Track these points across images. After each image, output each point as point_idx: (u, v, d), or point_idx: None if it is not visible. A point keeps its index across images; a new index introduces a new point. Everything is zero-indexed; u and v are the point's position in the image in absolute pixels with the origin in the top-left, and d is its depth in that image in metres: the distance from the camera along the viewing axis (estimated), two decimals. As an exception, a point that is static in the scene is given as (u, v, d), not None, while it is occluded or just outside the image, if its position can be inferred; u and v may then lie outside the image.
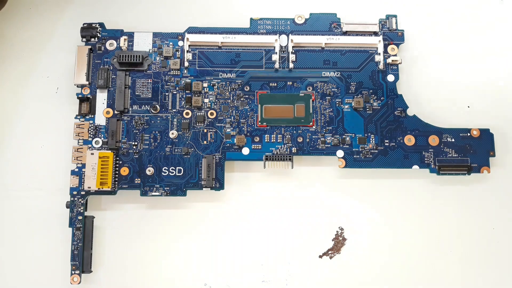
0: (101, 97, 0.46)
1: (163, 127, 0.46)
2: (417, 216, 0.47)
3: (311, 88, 0.47)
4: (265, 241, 0.46)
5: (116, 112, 0.46)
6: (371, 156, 0.46)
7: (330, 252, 0.46)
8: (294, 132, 0.46)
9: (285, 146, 0.46)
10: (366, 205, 0.47)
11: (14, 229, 0.46)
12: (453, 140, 0.47)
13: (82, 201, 0.45)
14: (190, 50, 0.48)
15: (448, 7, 0.51)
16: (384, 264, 0.46)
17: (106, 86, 0.46)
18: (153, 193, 0.45)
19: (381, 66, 0.48)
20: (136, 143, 0.46)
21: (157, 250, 0.46)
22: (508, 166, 0.48)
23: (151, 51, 0.47)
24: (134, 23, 0.49)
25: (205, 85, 0.47)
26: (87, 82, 0.46)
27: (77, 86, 0.47)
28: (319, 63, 0.48)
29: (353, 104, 0.47)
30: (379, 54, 0.48)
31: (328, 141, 0.46)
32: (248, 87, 0.47)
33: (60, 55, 0.49)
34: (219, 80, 0.47)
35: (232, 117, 0.47)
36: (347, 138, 0.46)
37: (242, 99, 0.47)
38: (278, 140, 0.46)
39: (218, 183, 0.45)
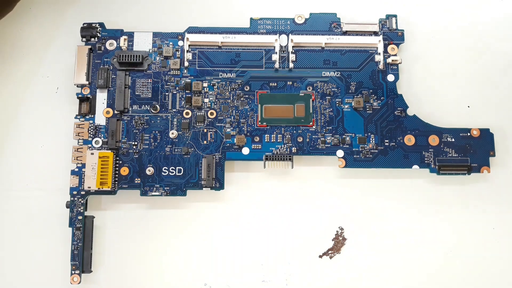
0: (101, 97, 0.46)
1: (163, 127, 0.46)
2: (417, 216, 0.47)
3: (311, 88, 0.47)
4: (265, 241, 0.46)
5: (116, 112, 0.46)
6: (371, 156, 0.46)
7: (330, 252, 0.46)
8: (294, 132, 0.46)
9: (285, 146, 0.46)
10: (366, 205, 0.47)
11: (14, 229, 0.46)
12: (453, 140, 0.47)
13: (82, 201, 0.45)
14: (190, 50, 0.48)
15: (448, 7, 0.51)
16: (384, 264, 0.46)
17: (106, 86, 0.46)
18: (153, 193, 0.45)
19: (381, 66, 0.48)
20: (136, 143, 0.46)
21: (157, 250, 0.46)
22: (508, 166, 0.48)
23: (151, 51, 0.47)
24: (134, 23, 0.49)
25: (205, 85, 0.47)
26: (87, 82, 0.46)
27: (77, 86, 0.47)
28: (319, 63, 0.48)
29: (353, 104, 0.47)
30: (379, 54, 0.48)
31: (328, 141, 0.46)
32: (248, 87, 0.47)
33: (60, 55, 0.49)
34: (219, 80, 0.47)
35: (232, 117, 0.47)
36: (347, 138, 0.46)
37: (242, 99, 0.47)
38: (278, 140, 0.46)
39: (218, 183, 0.45)
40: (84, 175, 0.45)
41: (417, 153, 0.46)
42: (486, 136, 0.47)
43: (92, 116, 0.46)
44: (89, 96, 0.46)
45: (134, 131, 0.46)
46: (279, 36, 0.48)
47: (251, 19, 0.49)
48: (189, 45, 0.48)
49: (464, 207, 0.47)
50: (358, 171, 0.47)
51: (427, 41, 0.50)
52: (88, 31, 0.47)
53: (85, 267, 0.44)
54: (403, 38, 0.49)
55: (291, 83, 0.47)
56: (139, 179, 0.45)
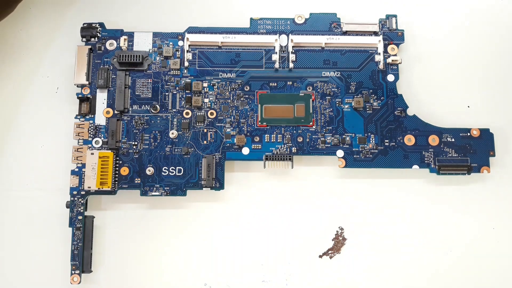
0: (101, 97, 0.46)
1: (163, 127, 0.46)
2: (417, 216, 0.47)
3: (311, 88, 0.47)
4: (265, 241, 0.46)
5: (116, 112, 0.46)
6: (371, 156, 0.46)
7: (330, 252, 0.46)
8: (294, 132, 0.46)
9: (285, 146, 0.46)
10: (366, 205, 0.47)
11: (14, 229, 0.46)
12: (453, 140, 0.47)
13: (82, 201, 0.45)
14: (190, 50, 0.48)
15: (448, 7, 0.51)
16: (384, 264, 0.46)
17: (106, 86, 0.46)
18: (153, 193, 0.45)
19: (381, 66, 0.48)
20: (136, 143, 0.46)
21: (157, 250, 0.46)
22: (508, 166, 0.48)
23: (151, 51, 0.47)
24: (134, 23, 0.49)
25: (205, 85, 0.47)
26: (87, 82, 0.46)
27: (77, 86, 0.47)
28: (319, 63, 0.48)
29: (353, 104, 0.47)
30: (379, 54, 0.48)
31: (328, 141, 0.46)
32: (248, 87, 0.47)
33: (60, 55, 0.49)
34: (219, 80, 0.47)
35: (232, 117, 0.47)
36: (347, 138, 0.46)
37: (242, 99, 0.47)
38: (278, 140, 0.46)
39: (218, 183, 0.45)
40: (84, 175, 0.45)
41: (417, 153, 0.46)
42: (486, 136, 0.47)
43: (92, 116, 0.46)
44: (89, 96, 0.46)
45: (134, 131, 0.46)
46: (279, 36, 0.48)
47: (251, 19, 0.49)
48: (189, 45, 0.48)
49: (464, 207, 0.47)
50: (358, 171, 0.47)
51: (427, 41, 0.50)
52: (88, 31, 0.47)
53: (85, 267, 0.44)
54: (403, 38, 0.49)
55: (291, 83, 0.47)
56: (139, 179, 0.45)
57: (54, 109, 0.48)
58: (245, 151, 0.46)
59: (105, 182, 0.45)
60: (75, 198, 0.45)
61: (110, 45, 0.47)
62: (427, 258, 0.46)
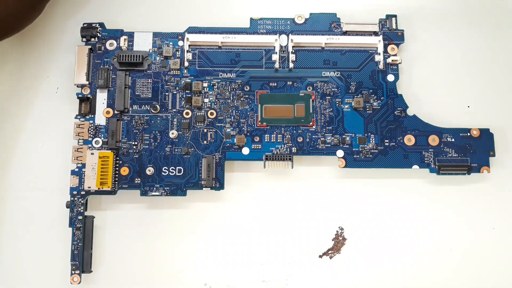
0: (101, 97, 0.46)
1: (163, 127, 0.46)
2: (417, 216, 0.47)
3: (311, 88, 0.47)
4: (265, 241, 0.46)
5: (116, 112, 0.46)
6: (371, 156, 0.46)
7: (330, 252, 0.46)
8: (294, 132, 0.46)
9: (285, 146, 0.46)
10: (366, 205, 0.47)
11: (14, 229, 0.46)
12: (453, 140, 0.47)
13: (82, 201, 0.45)
14: (190, 50, 0.48)
15: (448, 7, 0.51)
16: (384, 264, 0.46)
17: (106, 86, 0.46)
18: (153, 193, 0.45)
19: (381, 66, 0.48)
20: (136, 143, 0.46)
21: (157, 250, 0.46)
22: (508, 166, 0.48)
23: (151, 51, 0.47)
24: (134, 23, 0.49)
25: (205, 85, 0.47)
26: (87, 82, 0.46)
27: (77, 86, 0.47)
28: (319, 63, 0.48)
29: (353, 104, 0.47)
30: (379, 54, 0.48)
31: (328, 141, 0.46)
32: (248, 87, 0.47)
33: (60, 55, 0.49)
34: (219, 80, 0.47)
35: (232, 117, 0.47)
36: (347, 138, 0.46)
37: (242, 99, 0.47)
38: (278, 140, 0.46)
39: (218, 183, 0.45)
40: (84, 175, 0.45)
41: (417, 153, 0.46)
42: (486, 136, 0.47)
43: (92, 116, 0.46)
44: (89, 96, 0.46)
45: (134, 131, 0.46)
46: (279, 36, 0.48)
47: (251, 19, 0.49)
48: (189, 45, 0.48)
49: (464, 207, 0.47)
50: (358, 171, 0.47)
51: (427, 41, 0.50)
52: (88, 31, 0.47)
53: (85, 267, 0.44)
54: (403, 38, 0.49)
55: (291, 83, 0.47)
56: (139, 179, 0.45)
57: (54, 109, 0.48)
58: (245, 151, 0.46)
59: (105, 182, 0.45)
60: (75, 198, 0.45)
61: (110, 45, 0.47)
62: (427, 258, 0.46)
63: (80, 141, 0.46)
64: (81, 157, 0.45)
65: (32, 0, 0.44)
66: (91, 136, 0.46)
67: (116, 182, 0.45)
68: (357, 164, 0.46)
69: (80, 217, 0.44)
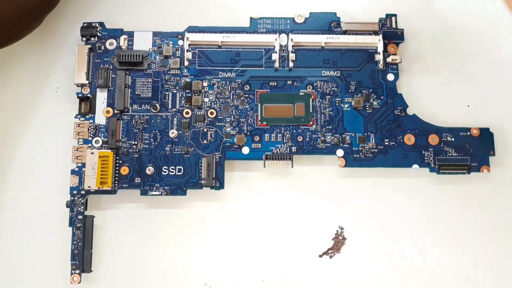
0: (101, 97, 0.46)
1: (163, 126, 0.46)
2: (417, 215, 0.47)
3: (311, 87, 0.47)
4: (265, 240, 0.46)
5: (116, 111, 0.46)
6: (371, 155, 0.46)
7: (330, 251, 0.46)
8: (294, 131, 0.46)
9: (285, 145, 0.46)
10: (366, 204, 0.47)
11: (14, 229, 0.46)
12: (453, 139, 0.47)
13: (82, 201, 0.45)
14: (190, 49, 0.48)
15: (448, 6, 0.51)
16: (384, 264, 0.46)
17: (106, 85, 0.46)
18: (153, 193, 0.45)
19: (381, 65, 0.48)
20: (136, 142, 0.46)
21: (157, 250, 0.46)
22: (508, 165, 0.48)
23: (151, 50, 0.47)
24: (134, 22, 0.49)
25: (205, 84, 0.47)
26: (87, 82, 0.46)
27: (77, 86, 0.47)
28: (319, 62, 0.48)
29: (353, 103, 0.47)
30: (379, 53, 0.48)
31: (328, 140, 0.46)
32: (248, 86, 0.47)
33: (60, 55, 0.49)
34: (219, 79, 0.47)
35: (232, 116, 0.47)
36: (347, 137, 0.46)
37: (242, 98, 0.47)
38: (278, 140, 0.46)
39: (218, 183, 0.45)
40: (84, 174, 0.45)
41: (417, 152, 0.46)
42: (486, 136, 0.47)
43: (92, 115, 0.46)
44: (89, 95, 0.46)
45: (134, 130, 0.46)
46: (279, 35, 0.48)
47: (251, 18, 0.49)
48: (189, 45, 0.48)
49: (464, 206, 0.47)
50: (358, 170, 0.47)
51: (427, 41, 0.50)
52: (88, 31, 0.47)
53: (85, 267, 0.44)
54: (403, 37, 0.49)
55: (291, 82, 0.47)
56: (139, 178, 0.45)
57: (54, 109, 0.48)
58: (245, 150, 0.46)
59: (105, 181, 0.45)
60: (75, 198, 0.45)
61: (110, 44, 0.47)
62: (427, 258, 0.46)
63: (80, 140, 0.46)
64: (81, 157, 0.45)
65: (32, 11, 0.44)
66: (91, 135, 0.46)
67: (116, 182, 0.45)
68: (357, 163, 0.46)
69: (80, 217, 0.44)
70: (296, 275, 0.46)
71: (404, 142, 0.46)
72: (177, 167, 0.45)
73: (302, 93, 0.47)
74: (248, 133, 0.46)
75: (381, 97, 0.47)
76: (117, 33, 0.48)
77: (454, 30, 0.51)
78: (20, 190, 0.47)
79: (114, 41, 0.47)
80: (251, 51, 0.48)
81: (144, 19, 0.50)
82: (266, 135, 0.46)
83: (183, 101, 0.47)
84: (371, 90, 0.47)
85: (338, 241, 0.46)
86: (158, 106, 0.46)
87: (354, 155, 0.46)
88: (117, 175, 0.45)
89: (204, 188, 0.45)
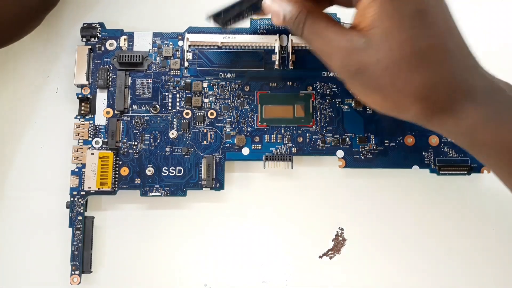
0: (101, 97, 0.46)
1: (163, 127, 0.46)
2: (417, 216, 0.47)
3: (311, 88, 0.47)
4: (265, 241, 0.46)
5: (116, 112, 0.46)
6: (371, 156, 0.46)
7: (330, 252, 0.46)
8: (294, 132, 0.46)
9: (285, 146, 0.46)
10: (366, 205, 0.47)
11: (14, 229, 0.46)
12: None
13: (82, 201, 0.45)
14: (190, 50, 0.48)
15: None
16: (384, 265, 0.46)
17: (106, 86, 0.46)
18: (153, 193, 0.45)
19: (381, 66, 0.48)
20: (136, 143, 0.46)
21: (157, 250, 0.46)
22: (508, 166, 0.48)
23: (151, 51, 0.47)
24: (134, 23, 0.49)
25: (205, 85, 0.47)
26: (87, 82, 0.46)
27: (77, 86, 0.47)
28: (319, 63, 0.48)
29: (353, 104, 0.47)
30: (379, 54, 0.48)
31: (328, 141, 0.46)
32: (248, 87, 0.47)
33: (60, 55, 0.49)
34: (219, 80, 0.47)
35: (232, 117, 0.47)
36: (347, 138, 0.46)
37: (242, 99, 0.47)
38: (278, 140, 0.46)
39: (218, 183, 0.45)
40: (84, 175, 0.45)
41: (417, 153, 0.46)
42: (486, 137, 0.47)
43: (92, 116, 0.46)
44: (89, 96, 0.46)
45: (134, 131, 0.46)
46: (279, 36, 0.48)
47: (251, 19, 0.49)
48: (189, 45, 0.48)
49: (464, 207, 0.47)
50: (358, 171, 0.47)
51: (428, 41, 0.50)
52: (88, 31, 0.47)
53: (85, 268, 0.44)
54: (403, 38, 0.49)
55: (291, 83, 0.47)
56: (139, 179, 0.45)
57: (54, 109, 0.48)
58: (245, 151, 0.46)
59: (105, 182, 0.45)
60: (75, 199, 0.45)
61: (110, 45, 0.47)
62: (427, 259, 0.46)
63: (80, 141, 0.46)
64: (81, 157, 0.45)
65: (32, 10, 0.44)
66: (91, 136, 0.46)
67: (116, 182, 0.45)
68: (357, 164, 0.46)
69: (80, 218, 0.44)
70: (296, 276, 0.46)
71: (404, 143, 0.46)
72: (177, 168, 0.45)
73: (302, 94, 0.47)
74: (248, 134, 0.46)
75: (382, 98, 0.47)
76: (117, 33, 0.48)
77: (455, 30, 0.51)
78: (20, 190, 0.47)
79: (114, 41, 0.47)
80: (251, 52, 0.48)
81: (144, 19, 0.50)
82: (266, 136, 0.46)
83: (183, 102, 0.47)
84: (371, 91, 0.47)
85: (338, 242, 0.46)
86: (158, 107, 0.46)
87: (354, 156, 0.46)
88: (117, 176, 0.45)
89: (204, 189, 0.45)
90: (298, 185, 0.47)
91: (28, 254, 0.46)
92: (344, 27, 0.36)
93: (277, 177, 0.47)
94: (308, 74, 0.48)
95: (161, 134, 0.46)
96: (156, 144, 0.46)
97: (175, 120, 0.46)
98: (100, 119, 0.46)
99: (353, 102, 0.47)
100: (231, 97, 0.47)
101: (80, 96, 0.46)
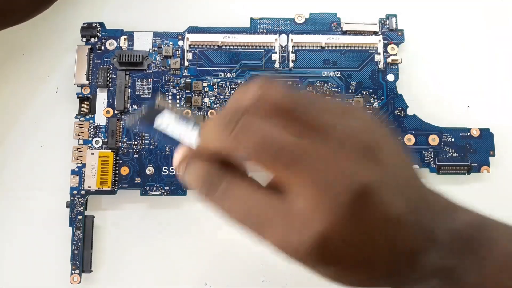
0: (101, 97, 0.46)
1: (163, 126, 0.46)
2: (417, 215, 0.47)
3: (311, 87, 0.47)
4: (265, 240, 0.46)
5: (116, 111, 0.46)
6: (371, 155, 0.46)
7: (330, 251, 0.46)
8: (294, 131, 0.46)
9: (285, 145, 0.46)
10: (366, 204, 0.47)
11: (14, 229, 0.46)
12: (453, 139, 0.47)
13: (82, 201, 0.45)
14: (190, 49, 0.48)
15: (448, 7, 0.51)
16: (384, 264, 0.46)
17: (106, 85, 0.46)
18: (153, 193, 0.45)
19: (381, 65, 0.48)
20: (136, 142, 0.46)
21: (157, 250, 0.46)
22: (508, 166, 0.48)
23: (151, 50, 0.47)
24: (134, 23, 0.49)
25: (205, 84, 0.47)
26: (87, 82, 0.46)
27: (77, 86, 0.47)
28: (319, 62, 0.48)
29: (353, 104, 0.47)
30: (379, 53, 0.48)
31: (328, 140, 0.46)
32: (248, 87, 0.47)
33: (60, 55, 0.49)
34: (219, 80, 0.47)
35: (232, 116, 0.47)
36: (347, 138, 0.46)
37: (242, 98, 0.47)
38: (278, 140, 0.46)
39: (218, 183, 0.45)
40: (84, 175, 0.45)
41: (417, 152, 0.46)
42: (486, 136, 0.47)
43: (92, 116, 0.46)
44: (89, 96, 0.46)
45: (134, 131, 0.46)
46: (279, 36, 0.48)
47: (251, 19, 0.49)
48: (189, 45, 0.48)
49: (464, 206, 0.47)
50: (358, 170, 0.47)
51: (427, 41, 0.50)
52: (88, 31, 0.47)
53: (85, 267, 0.44)
54: (403, 37, 0.49)
55: (291, 82, 0.47)
56: (139, 178, 0.45)
57: (54, 109, 0.48)
58: (245, 150, 0.46)
59: (105, 182, 0.45)
60: (75, 198, 0.45)
61: (110, 45, 0.47)
62: (427, 258, 0.46)
63: (80, 141, 0.46)
64: (81, 157, 0.45)
65: None
66: (91, 136, 0.46)
67: (116, 182, 0.45)
68: (357, 163, 0.46)
69: (80, 217, 0.44)
70: (296, 275, 0.46)
71: (404, 143, 0.46)
72: (177, 167, 0.45)
73: (302, 94, 0.47)
74: (248, 134, 0.46)
75: (381, 98, 0.47)
76: (117, 33, 0.48)
77: (454, 30, 0.51)
78: (20, 190, 0.46)
79: (114, 41, 0.47)
80: (251, 51, 0.48)
81: (144, 19, 0.50)
82: (266, 135, 0.46)
83: (183, 102, 0.47)
84: (371, 90, 0.47)
85: (338, 242, 0.46)
86: (158, 106, 0.46)
87: (354, 156, 0.46)
88: (117, 175, 0.45)
89: (204, 188, 0.45)
90: (298, 184, 0.47)
91: (28, 253, 0.45)
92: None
93: (277, 176, 0.47)
94: (308, 74, 0.48)
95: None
96: (156, 143, 0.46)
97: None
98: (100, 118, 0.46)
99: (353, 101, 0.47)
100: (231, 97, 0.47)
101: (80, 95, 0.46)
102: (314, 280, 0.46)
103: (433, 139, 0.47)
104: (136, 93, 0.47)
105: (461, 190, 0.47)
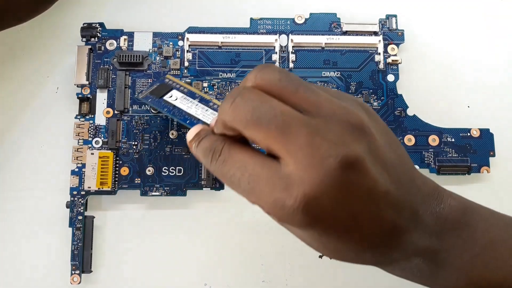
0: (101, 97, 0.46)
1: (163, 127, 0.46)
2: (417, 216, 0.47)
3: (311, 88, 0.47)
4: (265, 241, 0.46)
5: (116, 112, 0.46)
6: (371, 156, 0.46)
7: (330, 252, 0.46)
8: (294, 132, 0.46)
9: (285, 146, 0.46)
10: (366, 205, 0.47)
11: (14, 229, 0.46)
12: (453, 140, 0.47)
13: (82, 201, 0.45)
14: (190, 50, 0.48)
15: (448, 7, 0.51)
16: (384, 264, 0.46)
17: (106, 86, 0.46)
18: (153, 193, 0.45)
19: (381, 66, 0.48)
20: (136, 143, 0.46)
21: (157, 250, 0.46)
22: (508, 166, 0.48)
23: (151, 51, 0.47)
24: (134, 23, 0.49)
25: (205, 85, 0.47)
26: (87, 82, 0.46)
27: (77, 86, 0.47)
28: (319, 63, 0.48)
29: (353, 104, 0.47)
30: (379, 54, 0.48)
31: (328, 141, 0.46)
32: (248, 87, 0.47)
33: (60, 55, 0.49)
34: (219, 80, 0.47)
35: (232, 117, 0.47)
36: (347, 138, 0.46)
37: (242, 99, 0.47)
38: (278, 140, 0.46)
39: (218, 183, 0.45)
40: (84, 175, 0.45)
41: (417, 153, 0.46)
42: (486, 136, 0.47)
43: (92, 116, 0.46)
44: (89, 96, 0.46)
45: (134, 131, 0.46)
46: (279, 36, 0.48)
47: (251, 19, 0.49)
48: (189, 45, 0.48)
49: (464, 207, 0.47)
50: (358, 171, 0.47)
51: (427, 41, 0.50)
52: (88, 31, 0.47)
53: (85, 267, 0.44)
54: (403, 38, 0.49)
55: (291, 83, 0.47)
56: (139, 179, 0.45)
57: (54, 109, 0.48)
58: (245, 151, 0.46)
59: (105, 182, 0.45)
60: (75, 198, 0.45)
61: (110, 45, 0.47)
62: (427, 258, 0.46)
63: (80, 141, 0.46)
64: (81, 157, 0.45)
65: None
66: (91, 136, 0.46)
67: (116, 182, 0.45)
68: (357, 164, 0.46)
69: (80, 217, 0.44)
70: (296, 276, 0.46)
71: (404, 143, 0.46)
72: (177, 167, 0.45)
73: (302, 94, 0.47)
74: (248, 134, 0.46)
75: (381, 98, 0.47)
76: (117, 33, 0.48)
77: (454, 31, 0.51)
78: (20, 190, 0.46)
79: (114, 41, 0.47)
80: (251, 51, 0.48)
81: (144, 19, 0.50)
82: (266, 135, 0.46)
83: (183, 102, 0.47)
84: (371, 90, 0.47)
85: (338, 242, 0.46)
86: (158, 106, 0.46)
87: (354, 156, 0.46)
88: (117, 175, 0.45)
89: (204, 188, 0.45)
90: (298, 184, 0.47)
91: (28, 254, 0.45)
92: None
93: (277, 177, 0.47)
94: (308, 74, 0.48)
95: (161, 134, 0.46)
96: (156, 144, 0.46)
97: (175, 120, 0.46)
98: (100, 119, 0.46)
99: (353, 102, 0.47)
100: (231, 97, 0.47)
101: (80, 96, 0.46)
102: (314, 280, 0.46)
103: (433, 140, 0.47)
104: (136, 93, 0.47)
105: (461, 191, 0.47)
